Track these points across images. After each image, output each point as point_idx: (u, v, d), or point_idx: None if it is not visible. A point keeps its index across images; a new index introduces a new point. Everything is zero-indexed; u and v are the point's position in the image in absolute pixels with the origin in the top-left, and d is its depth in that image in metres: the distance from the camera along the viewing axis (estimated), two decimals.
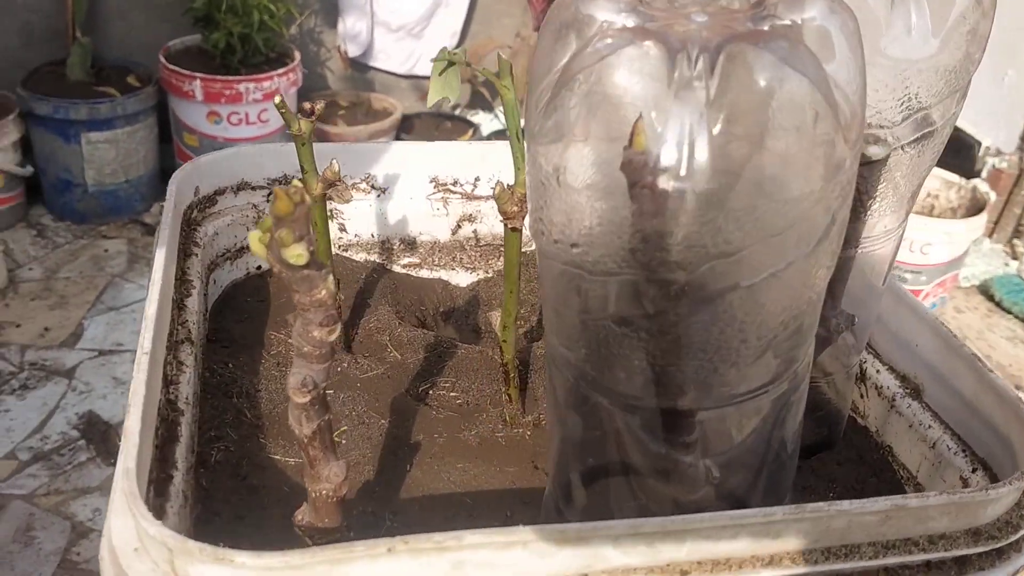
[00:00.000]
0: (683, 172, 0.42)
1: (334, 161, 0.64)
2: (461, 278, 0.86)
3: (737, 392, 0.48)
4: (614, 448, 0.52)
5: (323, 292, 0.44)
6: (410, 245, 0.85)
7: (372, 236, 0.84)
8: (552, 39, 0.46)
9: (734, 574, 0.49)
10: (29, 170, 2.40)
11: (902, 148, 0.58)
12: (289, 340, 0.72)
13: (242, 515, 0.59)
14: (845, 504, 0.49)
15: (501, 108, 2.34)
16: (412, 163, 0.83)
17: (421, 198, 0.84)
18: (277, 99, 0.59)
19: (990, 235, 2.69)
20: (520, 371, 0.70)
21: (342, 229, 0.83)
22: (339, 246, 0.84)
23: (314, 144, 0.67)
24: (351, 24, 2.64)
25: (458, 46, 2.72)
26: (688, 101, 0.42)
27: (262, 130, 2.47)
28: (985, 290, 2.54)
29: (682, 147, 0.42)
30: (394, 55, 2.70)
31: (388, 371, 0.72)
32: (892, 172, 0.58)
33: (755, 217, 0.43)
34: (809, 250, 0.45)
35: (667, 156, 0.42)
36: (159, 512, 0.52)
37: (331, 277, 0.44)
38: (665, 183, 0.42)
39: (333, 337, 0.46)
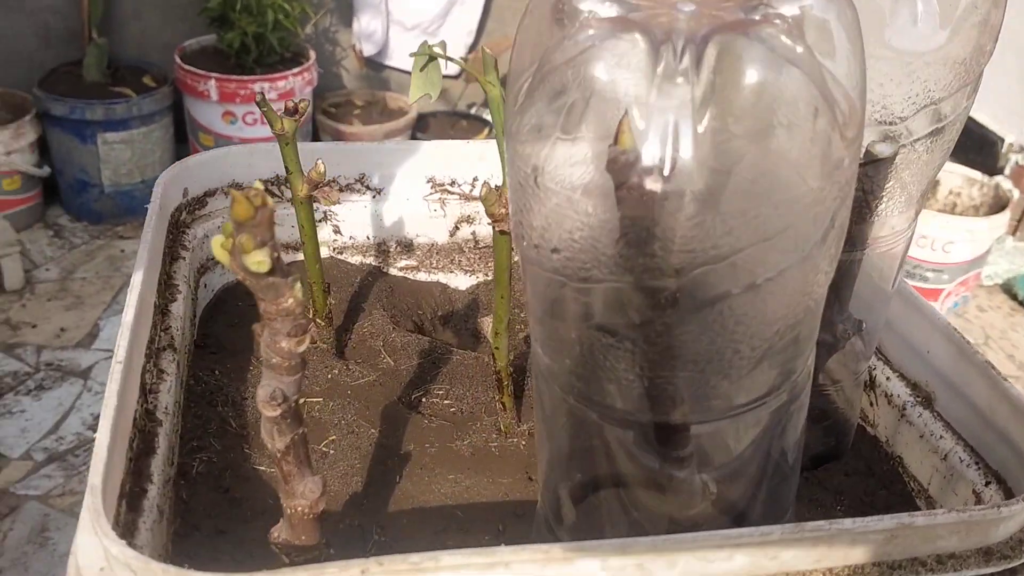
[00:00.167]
0: (668, 172, 0.39)
1: (319, 162, 0.61)
2: (460, 281, 0.84)
3: (732, 405, 0.46)
4: (604, 463, 0.49)
5: (290, 301, 0.42)
6: (407, 247, 0.82)
7: (368, 238, 0.82)
8: (533, 31, 0.44)
9: None
10: (46, 171, 2.40)
11: (911, 145, 0.55)
12: None
13: (223, 529, 0.57)
14: (847, 523, 0.46)
15: None
16: (408, 163, 0.80)
17: (418, 199, 0.81)
18: (258, 97, 0.57)
19: (1013, 233, 2.64)
20: (515, 378, 0.67)
21: (336, 231, 0.81)
22: (333, 248, 0.81)
23: (308, 143, 0.65)
24: (366, 23, 2.63)
25: (474, 44, 2.70)
26: (673, 96, 0.39)
27: None
28: (1008, 288, 2.49)
29: (666, 145, 0.39)
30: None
31: (380, 378, 0.70)
32: (900, 170, 0.56)
33: (746, 219, 0.40)
34: (805, 254, 0.42)
35: (651, 155, 0.39)
36: (131, 528, 0.50)
37: (298, 285, 0.42)
38: (652, 184, 0.40)
39: (302, 348, 0.43)
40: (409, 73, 0.58)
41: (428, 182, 0.82)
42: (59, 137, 2.38)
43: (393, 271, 0.83)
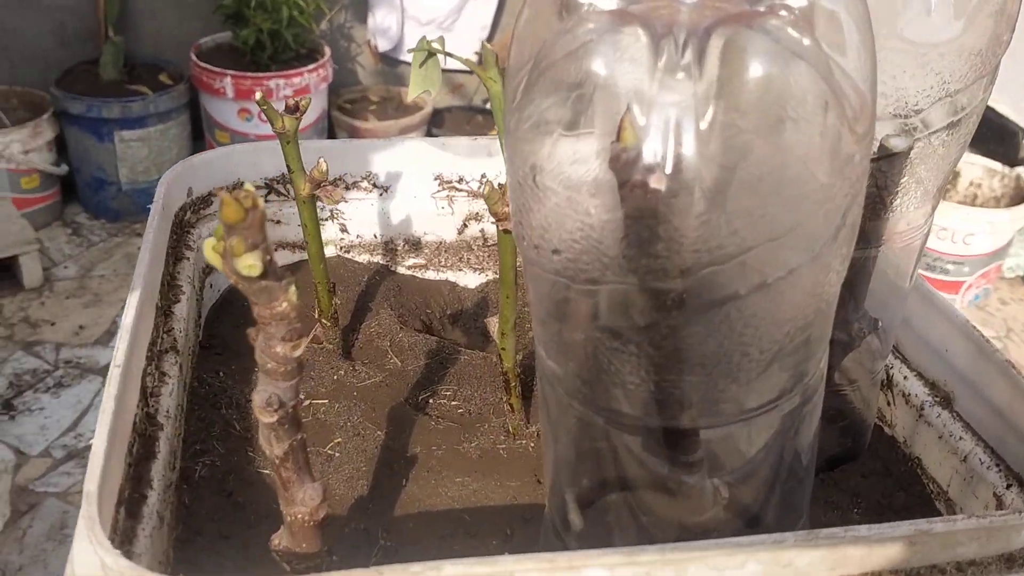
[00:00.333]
0: (671, 169, 0.38)
1: (321, 160, 0.60)
2: (469, 279, 0.83)
3: (742, 409, 0.44)
4: (612, 468, 0.48)
5: (284, 304, 0.41)
6: (415, 245, 0.81)
7: (375, 236, 0.81)
8: (532, 25, 0.43)
9: None
10: (64, 169, 2.41)
11: (926, 139, 0.53)
12: None
13: (227, 535, 0.57)
14: (863, 529, 0.45)
15: None
16: (415, 160, 0.79)
17: (425, 196, 0.80)
18: (258, 95, 0.56)
19: None
20: (523, 379, 0.66)
21: (343, 229, 0.80)
22: (340, 247, 0.80)
23: (312, 141, 0.64)
24: (381, 18, 2.62)
25: (488, 40, 2.68)
26: (675, 91, 0.38)
27: None
28: None
29: (669, 142, 0.38)
30: None
31: (387, 379, 0.69)
32: (916, 165, 0.54)
33: (754, 218, 0.39)
34: (816, 253, 0.41)
35: (654, 152, 0.38)
36: (130, 535, 0.49)
37: (293, 288, 0.41)
38: (656, 182, 0.38)
39: (298, 353, 0.42)
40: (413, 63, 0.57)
41: (436, 179, 0.81)
42: (76, 135, 2.38)
43: (401, 270, 0.82)
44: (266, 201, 0.78)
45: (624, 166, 0.39)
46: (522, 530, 0.59)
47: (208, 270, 0.74)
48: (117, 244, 2.41)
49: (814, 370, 0.46)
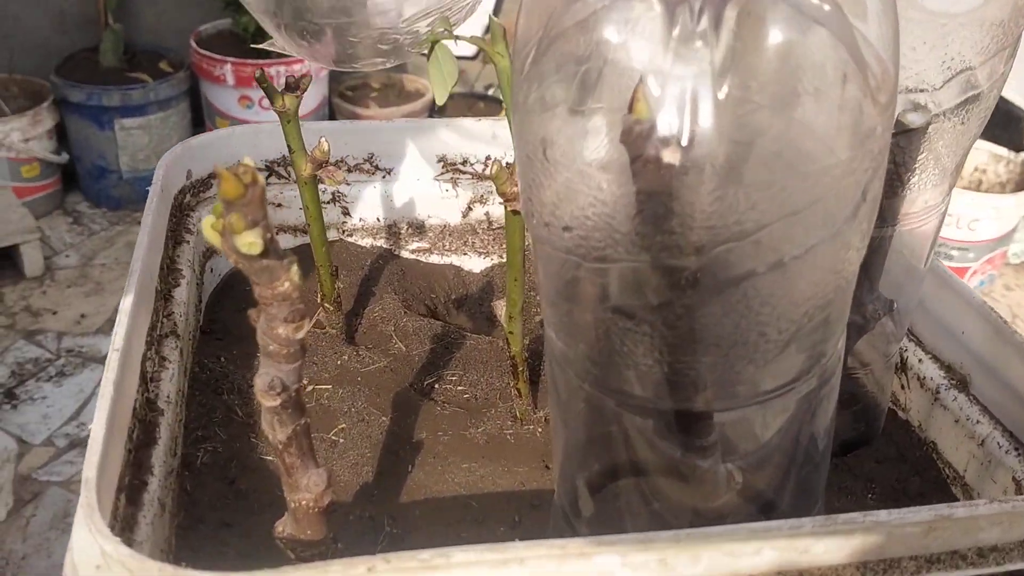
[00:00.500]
0: (686, 142, 0.36)
1: (323, 140, 0.59)
2: (474, 263, 0.81)
3: (758, 391, 0.43)
4: (623, 452, 0.47)
5: (286, 284, 0.39)
6: (418, 229, 0.80)
7: (378, 220, 0.79)
8: None
9: None
10: (65, 157, 2.40)
11: (944, 114, 0.52)
12: None
13: (229, 522, 0.55)
14: (883, 515, 0.43)
15: None
16: (418, 142, 0.78)
17: (429, 179, 0.79)
18: (257, 73, 0.54)
19: None
20: (530, 363, 0.65)
21: (346, 213, 0.79)
22: (343, 231, 0.79)
23: (313, 122, 0.63)
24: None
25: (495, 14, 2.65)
26: (690, 61, 0.36)
27: None
28: None
29: (684, 114, 0.36)
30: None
31: (391, 364, 0.68)
32: (933, 141, 0.53)
33: (772, 193, 0.38)
34: (835, 230, 0.39)
35: (668, 125, 0.36)
36: (130, 523, 0.48)
37: (295, 267, 0.39)
38: (670, 156, 0.37)
39: (301, 334, 0.41)
40: (425, 55, 0.56)
41: (439, 162, 0.79)
42: (77, 123, 2.37)
43: (404, 253, 0.81)
44: (267, 184, 0.77)
45: (636, 140, 0.37)
46: (530, 516, 0.58)
47: (209, 253, 0.73)
48: (118, 232, 2.40)
49: (832, 351, 0.44)
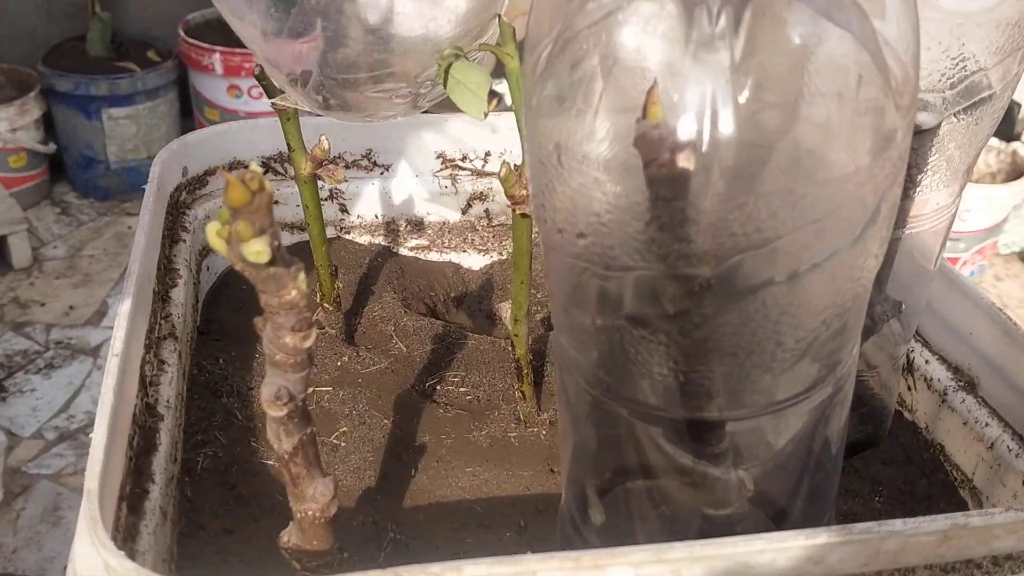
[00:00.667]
0: (705, 147, 0.36)
1: (323, 138, 0.58)
2: (473, 261, 0.80)
3: (772, 400, 0.42)
4: (634, 459, 0.46)
5: (293, 293, 0.38)
6: (417, 226, 0.79)
7: (376, 217, 0.78)
8: None
9: None
10: (52, 147, 2.37)
11: (956, 115, 0.51)
12: None
13: (231, 529, 0.54)
14: (898, 524, 0.43)
15: None
16: (417, 138, 0.77)
17: (427, 175, 0.78)
18: (257, 70, 0.53)
19: None
20: (534, 364, 0.64)
21: (343, 210, 0.78)
22: (340, 228, 0.78)
23: (311, 118, 0.62)
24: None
25: None
26: (709, 64, 0.36)
27: None
28: None
29: (703, 118, 0.36)
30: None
31: (392, 365, 0.67)
32: (945, 142, 0.52)
33: (792, 200, 0.37)
34: (855, 237, 0.38)
35: (686, 129, 0.36)
36: (132, 533, 0.47)
37: (302, 275, 0.38)
38: (685, 161, 0.36)
39: (308, 343, 0.40)
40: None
41: (438, 158, 0.78)
42: (64, 113, 2.34)
43: (403, 251, 0.80)
44: None
45: (651, 145, 0.36)
46: (536, 521, 0.57)
47: (204, 252, 0.72)
48: (106, 223, 2.37)
49: (847, 359, 0.44)
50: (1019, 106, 2.44)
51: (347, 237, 0.79)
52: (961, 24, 0.48)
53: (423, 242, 0.80)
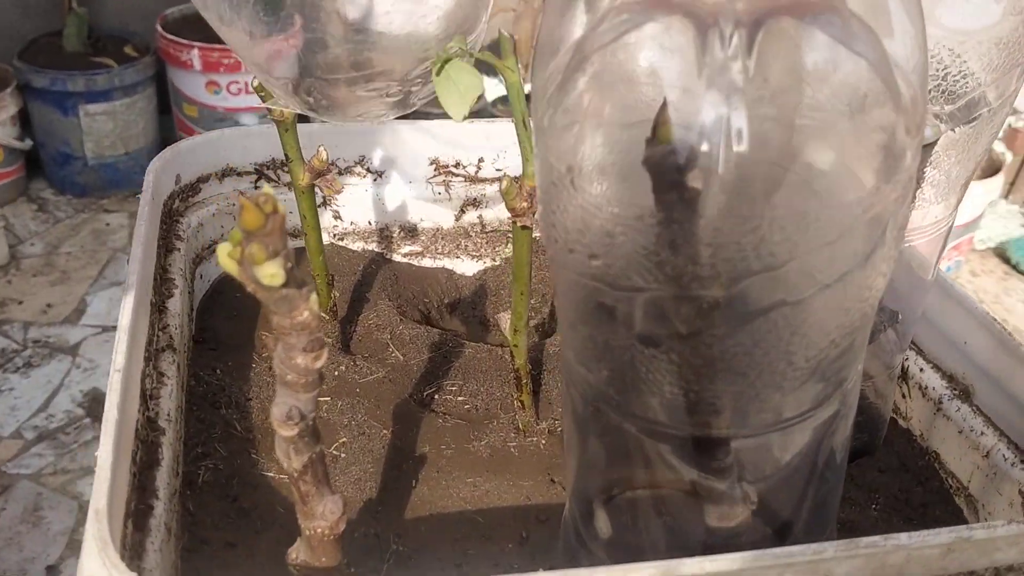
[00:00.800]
0: (718, 169, 0.36)
1: (321, 148, 0.58)
2: (467, 267, 0.80)
3: (780, 418, 0.43)
4: (641, 474, 0.46)
5: (305, 314, 0.38)
6: (411, 232, 0.79)
7: (369, 223, 0.78)
8: (558, 12, 0.40)
9: None
10: (28, 143, 2.35)
11: (956, 130, 0.51)
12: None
13: (233, 542, 0.54)
14: (903, 538, 0.43)
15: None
16: (410, 144, 0.76)
17: (421, 181, 0.78)
18: (256, 82, 0.53)
19: (1006, 196, 2.61)
20: (532, 373, 0.64)
21: (336, 217, 0.77)
22: (334, 235, 0.78)
23: (305, 125, 0.61)
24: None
25: None
26: (722, 86, 0.36)
27: None
28: (1001, 252, 2.46)
29: (715, 140, 0.36)
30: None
31: (390, 374, 0.67)
32: (943, 157, 0.52)
33: (804, 223, 0.37)
34: (867, 256, 0.39)
35: (696, 150, 0.36)
36: (139, 551, 0.47)
37: (314, 296, 0.38)
38: (696, 183, 0.36)
39: (319, 364, 0.40)
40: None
41: (431, 164, 0.78)
42: (40, 109, 2.32)
43: (397, 257, 0.80)
44: (255, 187, 0.75)
45: (661, 166, 0.37)
46: (538, 531, 0.57)
47: (198, 260, 0.72)
48: (84, 220, 2.35)
49: (853, 375, 0.44)
50: None
51: (340, 243, 0.78)
52: (963, 42, 0.48)
53: (416, 248, 0.80)
